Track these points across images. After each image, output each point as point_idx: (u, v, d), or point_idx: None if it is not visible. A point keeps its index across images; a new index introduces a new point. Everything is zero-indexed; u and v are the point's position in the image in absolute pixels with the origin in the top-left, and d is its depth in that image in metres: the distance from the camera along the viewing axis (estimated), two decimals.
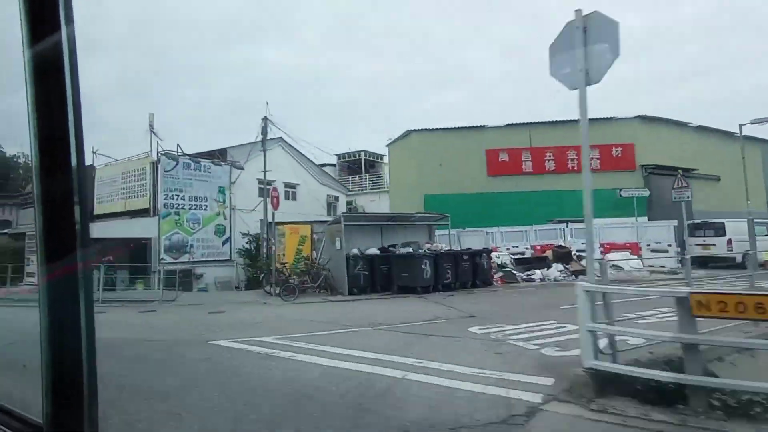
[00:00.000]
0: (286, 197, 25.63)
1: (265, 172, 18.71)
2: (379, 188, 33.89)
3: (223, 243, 21.73)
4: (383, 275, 14.03)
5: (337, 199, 30.54)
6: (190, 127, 79.62)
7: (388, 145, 28.57)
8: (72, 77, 0.87)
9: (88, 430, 0.88)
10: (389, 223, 16.75)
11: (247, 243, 20.71)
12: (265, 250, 18.23)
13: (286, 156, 26.33)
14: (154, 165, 19.33)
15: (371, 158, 36.20)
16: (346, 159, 36.71)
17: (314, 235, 17.84)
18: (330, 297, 13.71)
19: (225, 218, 21.89)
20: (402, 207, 23.99)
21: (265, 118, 19.14)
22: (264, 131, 19.05)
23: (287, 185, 26.21)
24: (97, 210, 20.57)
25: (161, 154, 19.67)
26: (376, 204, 32.09)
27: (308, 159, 28.38)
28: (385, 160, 35.64)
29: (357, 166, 36.27)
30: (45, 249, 0.87)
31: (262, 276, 16.73)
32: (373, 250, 14.82)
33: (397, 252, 14.48)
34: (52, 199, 0.88)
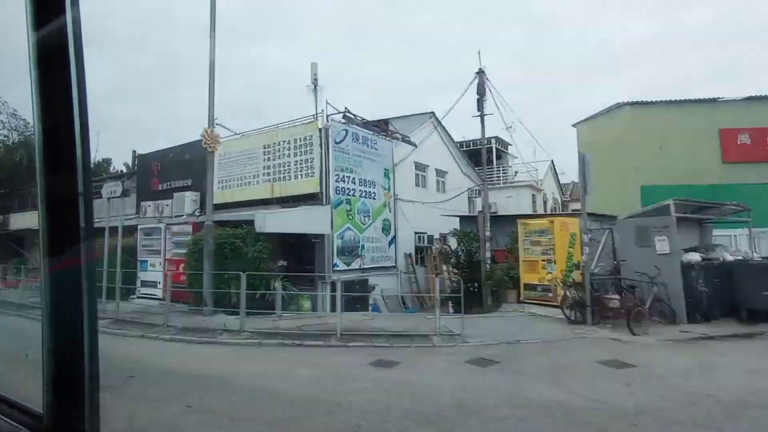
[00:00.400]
0: (437, 188, 20.25)
1: (483, 141, 13.29)
2: (514, 182, 28.21)
3: (389, 243, 16.28)
4: (718, 293, 9.67)
5: (478, 192, 24.93)
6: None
7: (576, 124, 22.36)
8: (77, 65, 0.84)
9: (89, 421, 0.87)
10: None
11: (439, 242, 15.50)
12: (488, 254, 12.66)
13: (437, 136, 20.88)
14: (324, 133, 13.81)
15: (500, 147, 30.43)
16: (467, 148, 31.08)
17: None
18: (664, 328, 8.85)
19: (390, 211, 16.48)
20: (607, 202, 18.11)
21: (480, 72, 13.60)
22: (481, 87, 13.46)
23: (438, 172, 20.81)
24: (223, 198, 15.09)
25: (331, 119, 14.27)
26: (514, 201, 26.37)
27: (455, 142, 22.92)
28: (511, 150, 30.05)
29: (475, 159, 30.51)
30: (49, 241, 0.86)
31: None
32: (694, 256, 9.98)
33: (726, 259, 10.27)
34: (56, 192, 0.87)
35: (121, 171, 30.66)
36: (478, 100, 13.37)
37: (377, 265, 15.42)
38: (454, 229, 15.09)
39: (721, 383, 5.61)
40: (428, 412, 4.65)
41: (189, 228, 13.44)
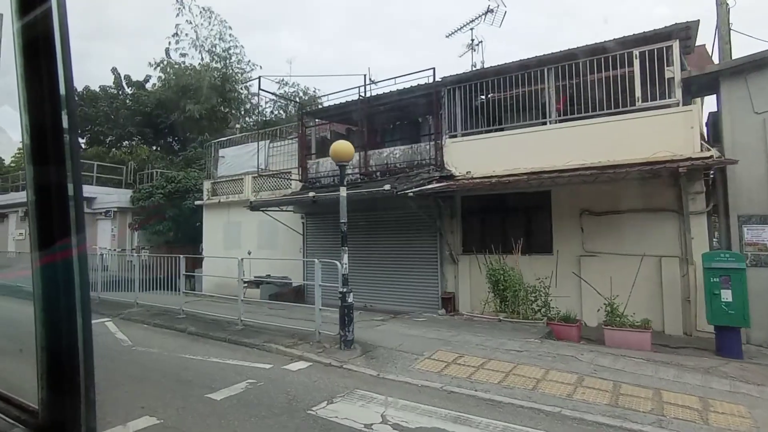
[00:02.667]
0: None
1: None
2: None
3: None
4: None
5: None
6: None
7: None
8: (63, 54, 0.82)
9: (84, 416, 0.86)
10: None
11: None
12: None
13: None
14: None
15: None
16: None
17: None
18: None
19: None
20: None
21: None
22: None
23: None
24: None
25: None
26: None
27: None
28: None
29: None
30: (39, 234, 0.86)
31: None
32: None
33: None
34: (45, 183, 0.85)
35: None
36: None
37: None
38: None
39: None
40: None
41: None
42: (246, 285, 13.27)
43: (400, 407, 4.54)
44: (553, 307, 8.28)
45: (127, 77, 26.69)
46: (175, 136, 24.81)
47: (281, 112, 27.27)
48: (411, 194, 9.04)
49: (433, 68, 10.95)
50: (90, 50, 43.96)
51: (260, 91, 12.33)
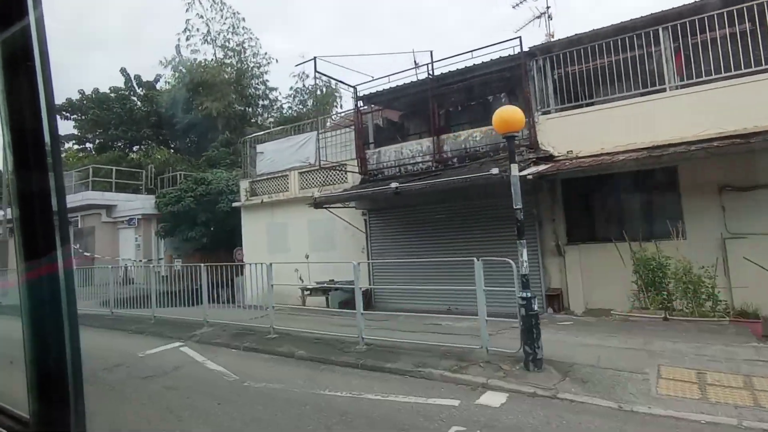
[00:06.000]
0: None
1: None
2: None
3: None
4: None
5: None
6: None
7: None
8: (43, 66, 0.83)
9: (74, 426, 0.87)
10: None
11: None
12: None
13: None
14: None
15: None
16: None
17: None
18: None
19: None
20: None
21: None
22: None
23: None
24: None
25: None
26: None
27: None
28: None
29: None
30: (24, 248, 0.86)
31: None
32: None
33: None
34: (29, 197, 0.86)
35: None
36: None
37: None
38: None
39: None
40: None
41: None
42: (308, 292, 12.01)
43: None
44: (720, 300, 7.04)
45: (137, 77, 25.23)
46: (193, 137, 23.38)
47: (301, 107, 25.92)
48: (530, 177, 7.78)
49: (519, 37, 9.70)
50: (88, 60, 42.42)
51: (316, 74, 10.97)
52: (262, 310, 9.69)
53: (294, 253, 12.98)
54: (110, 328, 9.55)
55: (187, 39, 24.54)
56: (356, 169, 12.03)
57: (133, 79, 25.18)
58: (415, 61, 13.99)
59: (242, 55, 25.25)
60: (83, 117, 24.88)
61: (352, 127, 13.12)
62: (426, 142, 11.19)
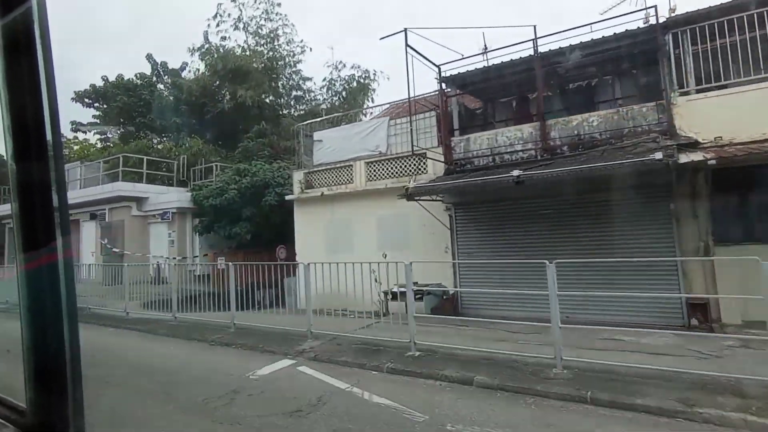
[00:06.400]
0: None
1: None
2: None
3: None
4: None
5: None
6: None
7: None
8: (45, 55, 0.81)
9: (72, 416, 0.86)
10: None
11: None
12: None
13: None
14: None
15: None
16: None
17: None
18: None
19: None
20: None
21: None
22: None
23: None
24: None
25: None
26: None
27: None
28: None
29: None
30: (23, 238, 0.85)
31: None
32: None
33: None
34: (29, 187, 0.85)
35: None
36: None
37: None
38: None
39: None
40: None
41: None
42: (390, 297, 10.69)
43: None
44: None
45: (164, 64, 23.89)
46: (226, 127, 22.03)
47: (335, 99, 24.61)
48: (713, 162, 6.50)
49: (655, 6, 8.43)
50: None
51: (407, 48, 9.67)
52: (359, 319, 8.36)
53: (359, 252, 11.61)
54: (185, 338, 8.17)
55: (218, 25, 23.25)
56: (439, 158, 10.73)
57: (159, 66, 23.85)
58: (486, 46, 12.73)
59: (275, 43, 23.94)
60: (105, 106, 23.53)
61: (427, 113, 11.85)
62: (528, 128, 9.89)
